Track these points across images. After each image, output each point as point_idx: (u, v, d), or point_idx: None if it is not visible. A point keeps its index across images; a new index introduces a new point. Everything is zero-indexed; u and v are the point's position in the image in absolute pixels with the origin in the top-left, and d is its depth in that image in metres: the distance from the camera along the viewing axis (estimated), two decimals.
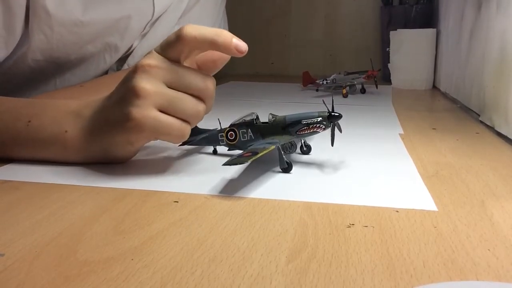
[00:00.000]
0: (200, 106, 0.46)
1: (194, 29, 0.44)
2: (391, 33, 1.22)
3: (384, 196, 0.42)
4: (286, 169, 0.48)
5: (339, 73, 1.06)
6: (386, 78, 1.28)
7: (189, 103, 0.45)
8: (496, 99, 0.69)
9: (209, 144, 0.54)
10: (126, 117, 0.44)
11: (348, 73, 1.06)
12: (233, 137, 0.51)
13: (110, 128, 0.46)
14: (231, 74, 1.52)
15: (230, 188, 0.44)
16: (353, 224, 0.36)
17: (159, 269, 0.29)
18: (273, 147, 0.46)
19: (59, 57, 0.70)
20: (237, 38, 0.45)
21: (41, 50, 0.66)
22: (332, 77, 1.06)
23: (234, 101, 0.98)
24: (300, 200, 0.41)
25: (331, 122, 0.48)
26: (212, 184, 0.45)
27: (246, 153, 0.45)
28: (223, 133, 0.52)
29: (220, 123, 0.54)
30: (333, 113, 0.48)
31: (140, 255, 0.31)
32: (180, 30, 0.44)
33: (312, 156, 0.55)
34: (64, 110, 0.50)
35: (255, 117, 0.51)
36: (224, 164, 0.44)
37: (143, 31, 0.79)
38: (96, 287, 0.27)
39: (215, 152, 0.55)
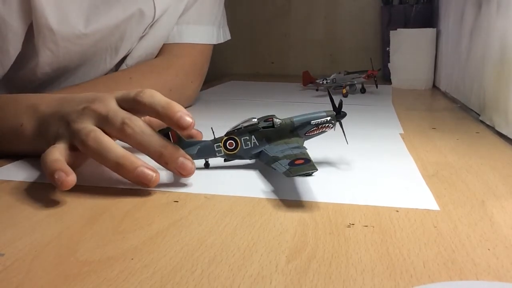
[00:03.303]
0: (89, 130, 0.45)
1: (149, 96, 0.46)
2: (391, 32, 1.22)
3: (386, 195, 0.42)
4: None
5: (339, 73, 1.06)
6: (386, 78, 1.28)
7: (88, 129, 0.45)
8: (496, 98, 0.69)
9: (201, 157, 0.48)
10: (53, 139, 0.46)
11: (348, 73, 1.06)
12: (233, 146, 0.48)
13: (48, 133, 0.48)
14: (231, 74, 1.52)
15: (230, 188, 0.44)
16: (353, 224, 0.36)
17: (159, 269, 0.29)
18: (309, 153, 0.45)
19: (66, 65, 0.72)
20: (186, 113, 0.44)
21: (49, 64, 0.69)
22: (332, 77, 1.06)
23: (234, 101, 0.98)
24: (300, 200, 0.41)
25: (337, 121, 0.48)
26: (212, 184, 0.45)
27: (298, 160, 0.43)
28: (219, 143, 0.48)
29: (213, 133, 0.49)
30: (339, 111, 0.49)
31: (140, 255, 0.31)
32: (139, 92, 0.46)
33: (312, 155, 0.55)
34: (25, 103, 0.53)
35: (255, 123, 0.48)
36: (289, 176, 0.41)
37: (143, 32, 0.79)
38: (96, 287, 0.27)
39: (207, 166, 0.49)
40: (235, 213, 0.38)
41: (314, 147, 0.56)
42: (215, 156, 0.48)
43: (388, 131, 0.69)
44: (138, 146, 0.45)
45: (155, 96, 0.46)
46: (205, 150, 0.48)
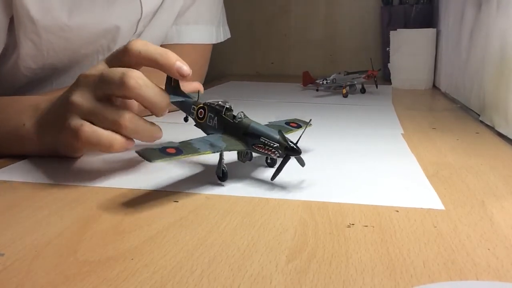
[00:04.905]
0: (121, 114, 0.45)
1: (141, 45, 0.45)
2: (391, 33, 1.22)
3: (390, 195, 0.42)
4: (221, 178, 0.45)
5: (339, 73, 1.06)
6: (386, 78, 1.28)
7: (109, 112, 0.45)
8: (496, 99, 0.69)
9: (182, 109, 0.51)
10: (62, 123, 0.46)
11: (348, 73, 1.06)
12: (201, 116, 0.48)
13: (56, 125, 0.47)
14: (231, 74, 1.52)
15: (230, 188, 0.44)
16: (353, 224, 0.36)
17: (159, 269, 0.29)
18: (209, 152, 0.42)
19: (53, 63, 0.70)
20: (182, 61, 0.45)
21: (31, 57, 0.67)
22: (332, 77, 1.06)
23: (234, 101, 0.98)
24: (300, 200, 0.41)
25: (286, 154, 0.42)
26: (212, 183, 0.45)
27: (171, 148, 0.41)
28: (195, 107, 0.49)
29: (198, 95, 0.51)
30: (291, 146, 0.42)
31: (140, 255, 0.31)
32: (128, 43, 0.46)
33: (312, 155, 0.55)
34: (27, 103, 0.52)
35: (226, 107, 0.46)
36: (137, 152, 0.40)
37: (135, 31, 0.78)
38: (96, 287, 0.27)
39: (185, 120, 0.52)
40: (235, 213, 0.38)
41: (314, 146, 0.56)
42: (189, 115, 0.50)
43: (389, 131, 0.69)
44: (141, 99, 0.44)
45: (148, 45, 0.46)
46: (185, 106, 0.50)
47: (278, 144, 0.42)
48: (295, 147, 0.42)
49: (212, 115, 0.47)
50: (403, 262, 0.30)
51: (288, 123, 0.53)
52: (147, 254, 0.31)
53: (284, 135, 0.43)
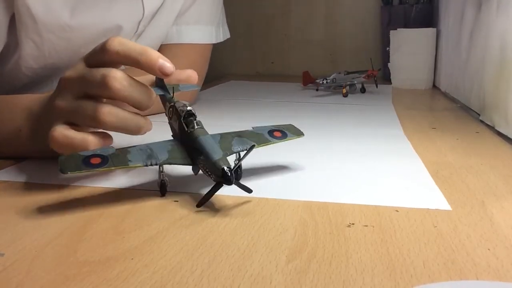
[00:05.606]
0: (99, 108, 0.43)
1: (119, 44, 0.43)
2: (391, 32, 1.22)
3: (393, 195, 0.42)
4: (160, 190, 0.42)
5: (339, 73, 1.06)
6: (386, 78, 1.28)
7: (88, 108, 0.43)
8: (496, 98, 0.69)
9: (162, 104, 0.48)
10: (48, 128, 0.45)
11: (348, 73, 1.06)
12: (171, 116, 0.45)
13: (45, 130, 0.46)
14: (231, 73, 1.52)
15: (230, 188, 0.44)
16: (353, 224, 0.36)
17: (159, 269, 0.29)
18: (140, 165, 0.39)
19: (54, 63, 0.70)
20: (165, 59, 0.43)
21: (33, 57, 0.67)
22: (332, 77, 1.06)
23: (234, 101, 0.98)
24: (301, 200, 0.41)
25: (218, 182, 0.38)
26: (212, 183, 0.45)
27: (97, 157, 0.38)
28: (168, 105, 0.46)
29: (173, 91, 0.46)
30: (225, 177, 0.37)
31: (140, 255, 0.31)
32: (106, 41, 0.43)
33: (312, 155, 0.55)
34: (20, 106, 0.52)
35: (187, 111, 0.42)
36: (58, 159, 0.38)
37: (136, 30, 0.78)
38: (96, 287, 0.27)
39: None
40: (235, 213, 0.38)
41: (315, 146, 0.56)
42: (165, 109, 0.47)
43: (389, 131, 0.69)
44: (127, 100, 0.43)
45: (126, 43, 0.43)
46: (163, 100, 0.48)
47: (213, 175, 0.39)
48: (228, 175, 0.37)
49: (176, 118, 0.44)
50: (403, 262, 0.30)
51: (272, 131, 0.47)
52: (147, 254, 0.31)
53: (226, 159, 0.39)
